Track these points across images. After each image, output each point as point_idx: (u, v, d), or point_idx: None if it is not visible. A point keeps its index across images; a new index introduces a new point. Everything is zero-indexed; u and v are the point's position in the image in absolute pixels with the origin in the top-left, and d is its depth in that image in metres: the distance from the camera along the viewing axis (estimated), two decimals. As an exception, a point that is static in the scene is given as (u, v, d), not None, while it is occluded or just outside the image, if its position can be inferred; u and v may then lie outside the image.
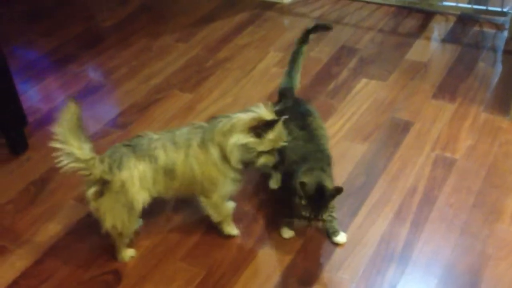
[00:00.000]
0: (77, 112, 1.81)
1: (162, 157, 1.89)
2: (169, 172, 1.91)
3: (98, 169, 1.81)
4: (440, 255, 1.99)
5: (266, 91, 2.85)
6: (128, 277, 1.98)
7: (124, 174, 1.84)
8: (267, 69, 3.01)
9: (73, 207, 2.25)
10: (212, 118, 1.98)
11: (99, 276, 1.99)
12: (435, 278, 1.92)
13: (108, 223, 1.90)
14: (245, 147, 1.88)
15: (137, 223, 1.96)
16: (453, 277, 1.92)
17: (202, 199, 2.00)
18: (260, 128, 1.85)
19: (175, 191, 1.97)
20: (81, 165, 1.79)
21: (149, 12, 3.65)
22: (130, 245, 2.06)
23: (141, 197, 1.89)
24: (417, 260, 1.98)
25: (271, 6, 3.58)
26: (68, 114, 1.80)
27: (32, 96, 2.93)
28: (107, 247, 2.03)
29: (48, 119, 2.76)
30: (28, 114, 2.68)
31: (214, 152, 1.90)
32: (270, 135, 1.86)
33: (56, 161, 1.80)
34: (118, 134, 2.60)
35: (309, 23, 3.36)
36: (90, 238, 2.10)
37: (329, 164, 2.02)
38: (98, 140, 2.57)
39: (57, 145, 1.80)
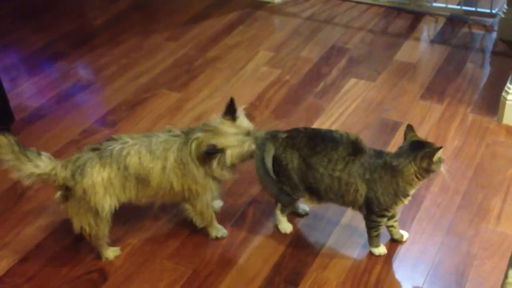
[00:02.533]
0: (12, 142, 1.81)
1: (134, 164, 1.86)
2: (142, 180, 1.89)
3: (60, 176, 1.83)
4: (427, 254, 2.00)
5: (255, 90, 2.85)
6: (114, 276, 1.97)
7: (86, 182, 1.82)
8: (257, 68, 3.02)
9: (58, 208, 2.23)
10: (189, 129, 1.95)
11: (84, 274, 1.98)
12: (421, 277, 1.92)
13: (76, 225, 1.91)
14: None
15: (107, 226, 1.93)
16: (439, 277, 1.93)
17: (187, 207, 2.00)
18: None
19: (151, 198, 1.96)
20: (44, 177, 1.84)
21: (140, 11, 3.65)
22: (115, 243, 2.06)
23: (106, 203, 1.87)
24: (403, 259, 1.99)
25: (262, 5, 3.58)
26: (7, 148, 1.80)
27: (20, 93, 2.92)
28: (93, 248, 2.03)
29: (36, 117, 2.76)
30: (15, 111, 2.67)
31: (193, 168, 1.89)
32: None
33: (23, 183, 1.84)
34: (107, 132, 2.59)
35: (299, 23, 3.38)
36: (76, 237, 2.09)
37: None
38: (87, 138, 2.57)
39: (15, 174, 1.82)
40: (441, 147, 1.79)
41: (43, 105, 2.84)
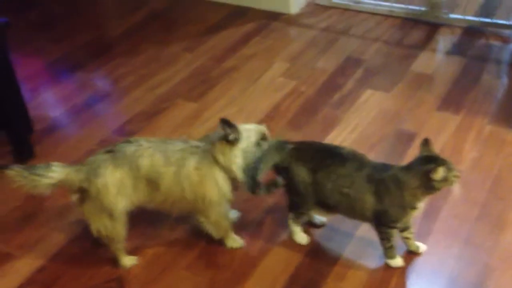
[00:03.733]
0: (19, 170, 1.87)
1: (146, 166, 1.90)
2: (152, 183, 1.92)
3: (75, 179, 1.88)
4: (444, 266, 1.99)
5: (271, 100, 2.86)
6: (132, 285, 1.99)
7: (100, 182, 1.87)
8: (273, 79, 3.03)
9: (79, 214, 2.26)
10: (206, 136, 2.01)
11: (102, 283, 2.00)
12: (439, 290, 1.92)
13: (93, 227, 1.94)
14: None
15: (124, 229, 1.96)
16: (457, 289, 1.92)
17: (201, 219, 2.02)
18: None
19: (160, 204, 1.98)
20: (60, 184, 1.89)
21: (158, 21, 3.68)
22: (133, 252, 2.08)
23: (119, 204, 1.90)
24: (421, 271, 1.98)
25: (278, 16, 3.60)
26: (17, 177, 1.87)
27: (39, 104, 2.96)
28: (111, 255, 2.04)
29: (54, 127, 2.79)
30: (35, 122, 2.71)
31: (218, 173, 1.93)
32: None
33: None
34: (124, 142, 2.62)
35: (315, 34, 3.40)
36: (95, 246, 2.11)
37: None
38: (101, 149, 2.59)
39: (34, 192, 1.89)
40: (441, 166, 1.77)
41: (61, 115, 2.87)
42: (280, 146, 1.99)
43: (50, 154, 2.60)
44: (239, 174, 1.95)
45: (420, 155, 1.87)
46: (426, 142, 1.89)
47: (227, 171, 1.94)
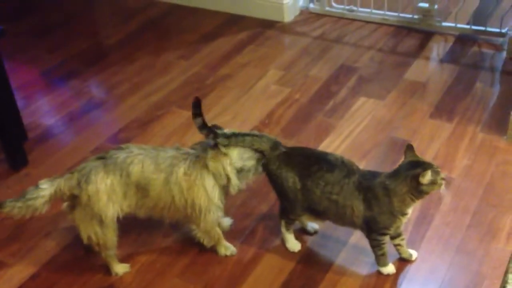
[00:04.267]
0: (11, 205, 1.90)
1: (136, 172, 1.91)
2: (141, 189, 1.92)
3: (66, 188, 1.90)
4: (436, 273, 2.00)
5: (265, 108, 2.87)
6: (124, 293, 1.99)
7: (91, 188, 1.88)
8: (267, 87, 3.04)
9: (71, 222, 2.26)
10: (197, 143, 2.01)
11: (95, 291, 2.00)
12: (430, 297, 1.92)
13: (83, 234, 1.95)
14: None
15: (115, 236, 1.97)
16: (448, 296, 1.92)
17: (193, 227, 2.03)
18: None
19: (150, 210, 1.98)
20: (53, 197, 1.91)
21: (152, 29, 3.70)
22: (125, 260, 2.08)
23: (109, 211, 1.91)
24: (413, 278, 1.99)
25: (272, 24, 3.62)
26: (13, 211, 1.91)
27: (33, 111, 2.96)
28: (103, 262, 2.04)
29: (49, 135, 2.80)
30: (29, 129, 2.72)
31: (207, 177, 1.93)
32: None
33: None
34: (118, 149, 2.62)
35: (309, 42, 3.41)
36: (87, 254, 2.11)
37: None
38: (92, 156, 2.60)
39: (34, 214, 1.93)
40: (428, 169, 1.78)
41: (56, 123, 2.88)
42: (275, 145, 1.99)
43: (44, 162, 2.61)
44: (234, 179, 1.95)
45: (405, 160, 1.88)
46: (409, 147, 1.90)
47: (217, 177, 1.94)
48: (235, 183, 1.96)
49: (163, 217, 2.02)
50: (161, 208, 1.97)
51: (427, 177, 1.78)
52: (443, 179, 1.83)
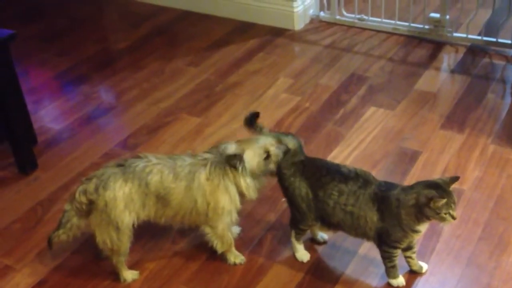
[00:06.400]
0: (58, 234, 2.01)
1: (155, 183, 1.91)
2: (161, 199, 1.92)
3: (82, 194, 1.91)
4: (446, 286, 1.98)
5: (274, 116, 2.86)
6: (132, 300, 1.98)
7: (108, 195, 1.88)
8: (277, 95, 3.04)
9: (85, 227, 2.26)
10: (213, 147, 2.01)
11: (102, 297, 1.99)
12: (440, 310, 1.90)
13: (98, 238, 1.95)
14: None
15: (129, 242, 1.97)
16: (459, 310, 1.90)
17: (207, 230, 2.01)
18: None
19: (170, 219, 1.99)
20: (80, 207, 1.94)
21: (162, 36, 3.70)
22: (133, 266, 2.07)
23: (126, 218, 1.91)
24: (422, 291, 1.97)
25: (282, 32, 3.61)
26: (63, 236, 2.01)
27: (43, 116, 2.97)
28: (112, 269, 2.03)
29: (58, 139, 2.80)
30: (38, 133, 2.72)
31: (230, 184, 1.94)
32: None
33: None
34: (128, 155, 2.61)
35: (319, 50, 3.41)
36: (96, 260, 2.11)
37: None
38: (108, 161, 2.58)
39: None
40: (445, 199, 1.74)
41: (65, 127, 2.88)
42: (296, 150, 1.99)
43: (53, 166, 2.61)
44: (252, 193, 1.98)
45: (434, 180, 1.83)
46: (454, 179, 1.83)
47: (238, 186, 1.96)
48: (253, 195, 1.99)
49: (183, 223, 2.02)
50: (182, 216, 1.97)
51: (438, 204, 1.74)
52: (451, 216, 1.77)
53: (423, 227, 1.85)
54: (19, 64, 2.70)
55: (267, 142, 1.99)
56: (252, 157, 1.96)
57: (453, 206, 1.77)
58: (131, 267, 2.06)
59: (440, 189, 1.78)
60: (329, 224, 1.97)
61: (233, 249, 2.07)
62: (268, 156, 1.97)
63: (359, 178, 1.89)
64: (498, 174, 2.43)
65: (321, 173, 1.93)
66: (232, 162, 1.92)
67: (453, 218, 1.78)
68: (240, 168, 1.92)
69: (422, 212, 1.78)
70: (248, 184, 1.95)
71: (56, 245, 2.01)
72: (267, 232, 2.22)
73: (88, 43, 3.65)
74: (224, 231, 2.01)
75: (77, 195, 1.91)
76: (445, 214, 1.76)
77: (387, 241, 1.87)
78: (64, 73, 3.35)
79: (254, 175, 1.97)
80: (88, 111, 2.99)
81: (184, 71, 3.29)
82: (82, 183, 1.93)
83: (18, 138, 2.53)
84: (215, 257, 2.08)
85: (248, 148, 1.97)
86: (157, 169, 1.92)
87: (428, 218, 1.79)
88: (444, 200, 1.73)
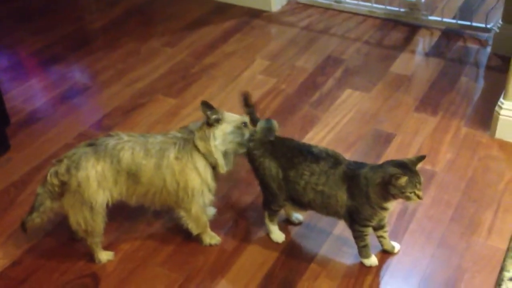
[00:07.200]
0: (33, 218, 1.99)
1: (126, 159, 1.90)
2: (132, 176, 1.92)
3: (54, 176, 1.90)
4: (418, 266, 2.02)
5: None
6: (106, 281, 1.98)
7: (81, 174, 1.87)
8: (253, 77, 3.03)
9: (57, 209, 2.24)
10: (183, 127, 2.01)
11: (77, 278, 1.99)
12: (412, 289, 1.94)
13: (72, 220, 1.94)
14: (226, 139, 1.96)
15: (103, 223, 1.96)
16: (429, 289, 1.94)
17: (181, 214, 2.02)
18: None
19: (141, 197, 1.98)
20: (50, 191, 1.93)
21: (138, 16, 3.66)
22: (108, 248, 2.07)
23: (100, 197, 1.90)
24: (395, 270, 2.00)
25: (259, 14, 3.60)
26: (37, 220, 1.99)
27: (16, 95, 2.92)
28: (87, 250, 2.03)
29: (31, 119, 2.76)
30: (11, 114, 2.68)
31: (198, 159, 1.93)
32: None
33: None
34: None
35: (296, 32, 3.41)
36: (70, 241, 2.10)
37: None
38: (82, 142, 2.57)
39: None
40: (406, 176, 1.76)
41: (39, 108, 2.84)
42: (268, 129, 2.00)
43: (26, 147, 2.58)
44: (220, 158, 1.95)
45: (403, 159, 1.85)
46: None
47: (208, 157, 1.94)
48: (221, 161, 1.96)
49: (154, 203, 2.01)
50: (152, 194, 1.96)
51: (400, 182, 1.77)
52: (417, 195, 1.79)
53: (391, 205, 1.88)
54: (-9, 43, 2.66)
55: (243, 116, 2.01)
56: (228, 124, 1.96)
57: (418, 185, 1.79)
58: (106, 248, 2.06)
59: (406, 168, 1.81)
60: (300, 203, 1.99)
61: (208, 230, 2.08)
62: (245, 125, 1.97)
63: (330, 158, 1.91)
64: (470, 157, 2.47)
65: (292, 153, 1.94)
66: (213, 117, 1.91)
67: (419, 197, 1.80)
68: (216, 121, 1.92)
69: (387, 190, 1.80)
70: (217, 147, 1.93)
71: (30, 229, 2.00)
72: (242, 214, 2.23)
73: (63, 22, 3.59)
74: (198, 213, 2.01)
75: (48, 177, 1.90)
76: (410, 193, 1.79)
77: (357, 219, 1.90)
78: (39, 52, 3.30)
79: (227, 147, 1.96)
80: (62, 91, 2.96)
81: (160, 52, 3.26)
82: (53, 165, 1.92)
83: (-10, 119, 2.49)
84: (191, 238, 2.09)
85: (225, 118, 1.97)
86: (128, 146, 1.92)
87: (393, 196, 1.81)
88: (405, 178, 1.76)
